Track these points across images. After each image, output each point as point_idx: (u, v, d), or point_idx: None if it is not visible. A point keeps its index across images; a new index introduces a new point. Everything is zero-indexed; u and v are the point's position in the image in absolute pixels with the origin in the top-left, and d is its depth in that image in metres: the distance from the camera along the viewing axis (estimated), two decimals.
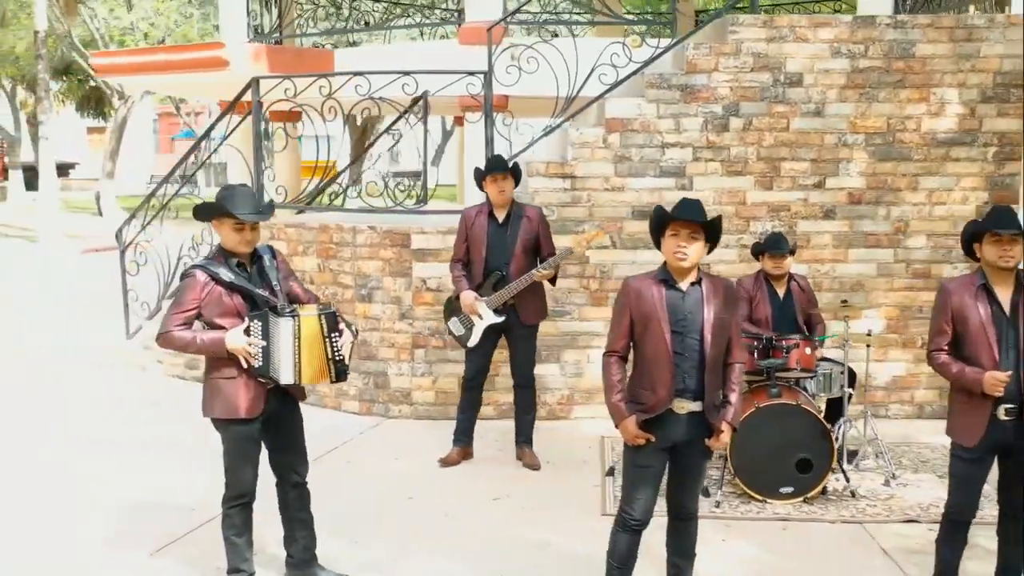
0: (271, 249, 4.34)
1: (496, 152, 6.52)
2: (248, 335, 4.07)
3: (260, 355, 4.11)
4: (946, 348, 4.10)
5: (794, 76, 6.87)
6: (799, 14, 10.36)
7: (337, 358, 4.21)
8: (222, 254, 4.18)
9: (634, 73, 6.94)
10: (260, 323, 4.10)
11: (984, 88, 6.94)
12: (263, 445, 4.34)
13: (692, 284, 3.89)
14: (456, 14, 10.93)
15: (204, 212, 4.20)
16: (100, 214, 26.32)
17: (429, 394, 7.14)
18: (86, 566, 4.76)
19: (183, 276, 4.17)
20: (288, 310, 4.14)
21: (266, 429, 4.29)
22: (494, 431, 6.77)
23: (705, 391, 3.90)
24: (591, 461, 6.31)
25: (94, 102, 37.53)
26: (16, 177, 33.73)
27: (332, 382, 4.30)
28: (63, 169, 30.85)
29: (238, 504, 4.30)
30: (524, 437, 6.27)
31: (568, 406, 7.19)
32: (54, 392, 7.98)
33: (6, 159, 36.07)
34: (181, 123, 41.83)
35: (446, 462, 6.20)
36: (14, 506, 5.51)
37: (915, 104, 6.91)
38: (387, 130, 7.70)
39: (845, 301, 6.17)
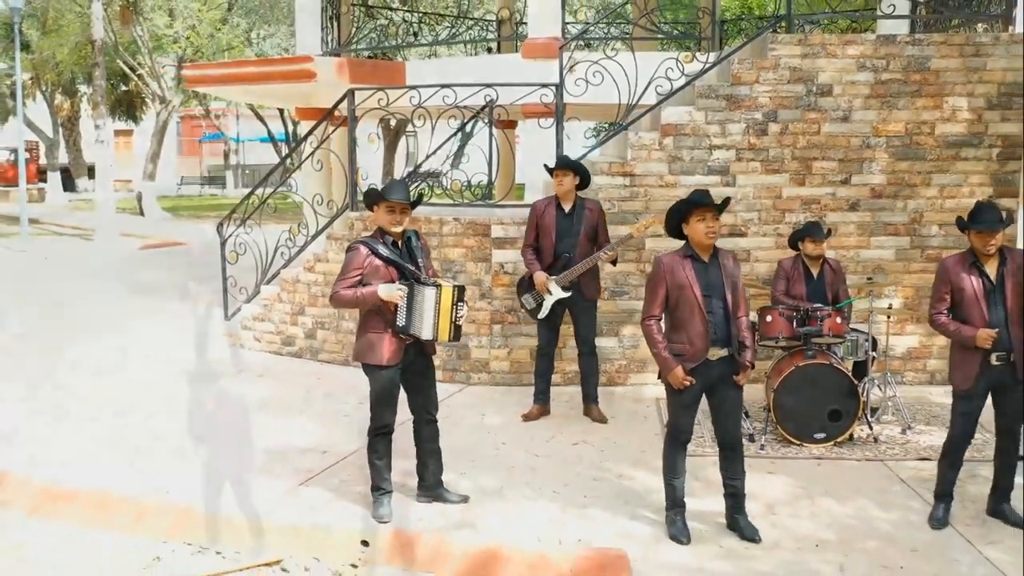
0: (416, 233, 5.44)
1: (563, 153, 7.57)
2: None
3: (404, 315, 5.18)
4: (945, 312, 5.14)
5: (825, 87, 7.87)
6: (830, 33, 11.33)
7: (458, 323, 5.31)
8: (379, 233, 5.27)
9: (687, 85, 7.98)
10: (407, 290, 5.17)
11: (990, 97, 7.89)
12: (402, 389, 5.41)
13: (711, 256, 4.96)
14: (518, 27, 12.05)
15: (367, 197, 5.32)
16: (142, 214, 27.35)
17: (505, 363, 8.20)
18: (241, 494, 5.75)
19: (348, 249, 5.27)
20: (430, 281, 5.22)
21: (405, 376, 5.36)
22: (565, 395, 7.83)
23: (732, 339, 4.97)
24: (650, 417, 7.36)
25: (126, 105, 38.82)
26: (54, 179, 34.91)
27: (448, 341, 5.35)
28: (93, 172, 31.72)
29: (380, 433, 5.37)
30: (591, 396, 7.31)
31: (625, 374, 8.24)
32: (170, 370, 9.02)
33: (42, 161, 37.24)
34: (204, 126, 43.10)
35: (528, 417, 7.25)
36: (170, 453, 6.60)
37: (930, 111, 7.88)
38: (455, 134, 8.72)
39: (871, 278, 7.21)
